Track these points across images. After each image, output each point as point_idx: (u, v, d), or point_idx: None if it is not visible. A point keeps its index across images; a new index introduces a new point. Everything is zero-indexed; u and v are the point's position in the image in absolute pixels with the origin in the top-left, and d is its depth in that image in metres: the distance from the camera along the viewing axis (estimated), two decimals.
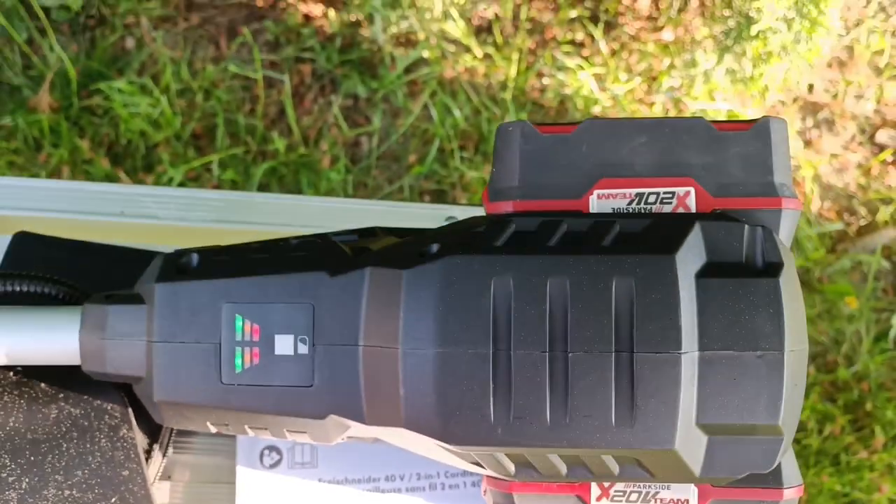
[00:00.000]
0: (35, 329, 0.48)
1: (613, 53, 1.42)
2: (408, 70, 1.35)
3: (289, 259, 0.46)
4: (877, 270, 1.39)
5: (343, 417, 0.44)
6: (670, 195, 0.44)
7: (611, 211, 0.45)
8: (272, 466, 0.55)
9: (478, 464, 0.43)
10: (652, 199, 0.44)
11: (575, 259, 0.41)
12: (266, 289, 0.45)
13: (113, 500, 0.49)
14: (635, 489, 0.44)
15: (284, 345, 0.44)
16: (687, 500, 0.44)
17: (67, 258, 0.58)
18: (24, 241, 0.59)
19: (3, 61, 1.30)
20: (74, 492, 0.49)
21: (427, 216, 0.64)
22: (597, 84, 1.39)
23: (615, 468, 0.43)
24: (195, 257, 0.47)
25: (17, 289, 0.51)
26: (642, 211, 0.44)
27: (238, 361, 0.45)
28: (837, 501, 1.26)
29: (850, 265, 1.39)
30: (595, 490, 0.45)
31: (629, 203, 0.44)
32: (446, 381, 0.41)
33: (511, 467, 0.43)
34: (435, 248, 0.43)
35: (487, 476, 0.46)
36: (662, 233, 0.42)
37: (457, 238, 0.44)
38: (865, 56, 1.52)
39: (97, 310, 0.47)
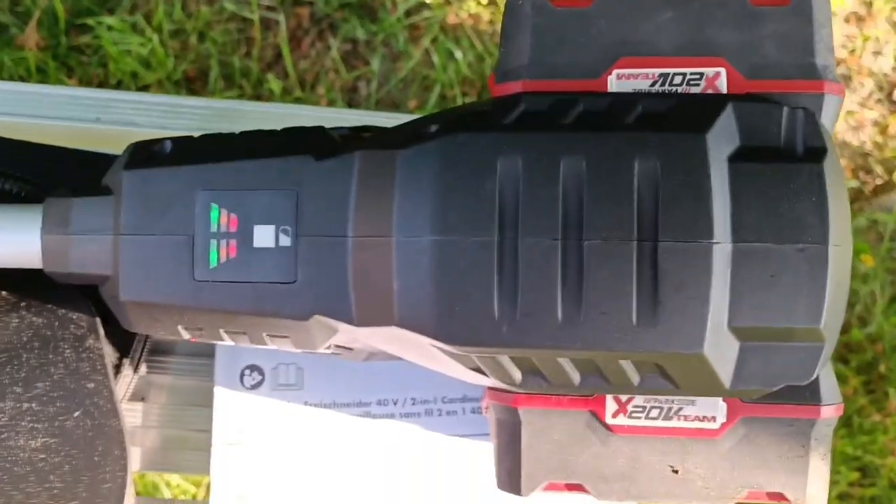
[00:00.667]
0: None
1: None
2: (408, 14, 1.30)
3: (271, 143, 0.41)
4: (893, 230, 1.35)
5: (329, 318, 0.39)
6: (698, 76, 0.40)
7: (631, 91, 0.40)
8: (253, 387, 0.51)
9: (479, 370, 0.39)
10: (678, 80, 0.40)
11: (592, 136, 0.37)
12: (244, 174, 0.40)
13: (76, 413, 0.44)
14: (656, 404, 0.40)
15: (264, 236, 0.40)
16: (714, 417, 0.40)
17: (33, 162, 0.54)
18: None
19: None
20: (34, 405, 0.44)
21: None
22: None
23: (634, 377, 0.38)
24: (168, 143, 0.42)
25: None
26: (667, 92, 0.40)
27: (213, 255, 0.40)
28: (849, 465, 1.22)
29: (865, 224, 1.35)
30: (611, 405, 0.40)
31: (652, 84, 0.40)
32: (445, 272, 0.37)
33: (517, 374, 0.38)
34: (434, 128, 0.39)
35: (490, 389, 0.41)
36: (690, 112, 0.38)
37: (459, 119, 0.39)
38: (885, 11, 1.46)
39: (60, 203, 0.42)
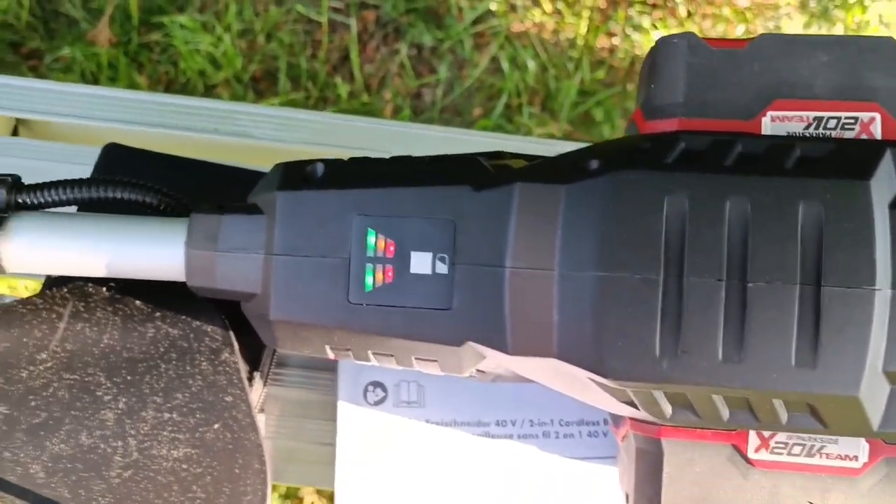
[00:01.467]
0: (137, 239, 0.45)
1: (689, 15, 1.37)
2: (475, 22, 1.31)
3: (426, 171, 0.42)
4: None
5: (482, 345, 0.40)
6: (853, 121, 0.40)
7: (786, 134, 0.40)
8: (376, 404, 0.51)
9: (630, 403, 0.40)
10: (832, 123, 0.40)
11: (757, 180, 0.37)
12: (402, 201, 0.41)
13: (216, 425, 0.45)
14: (799, 441, 0.40)
15: (421, 263, 0.40)
16: (856, 457, 0.40)
17: (161, 172, 0.55)
18: (115, 153, 0.55)
19: None
20: (175, 415, 0.45)
21: (530, 149, 0.60)
22: None
23: (783, 415, 0.39)
24: (320, 166, 0.43)
25: (114, 195, 0.47)
26: (821, 136, 0.40)
27: (368, 279, 0.41)
28: None
29: None
30: (754, 439, 0.41)
31: (806, 127, 0.40)
32: (608, 307, 0.37)
33: (668, 408, 0.39)
34: (595, 163, 0.39)
35: (632, 419, 0.42)
36: (850, 158, 0.38)
37: (618, 155, 0.39)
38: None
39: (208, 220, 0.43)
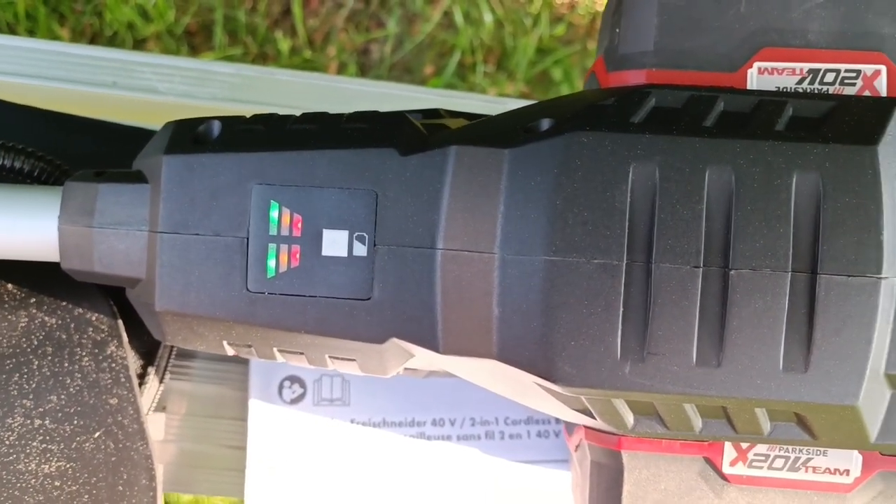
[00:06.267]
0: (2, 211, 0.37)
1: None
2: None
3: (343, 131, 0.35)
4: None
5: (409, 342, 0.33)
6: (854, 74, 0.34)
7: (775, 89, 0.34)
8: (293, 402, 0.45)
9: (585, 412, 0.33)
10: (830, 77, 0.34)
11: (742, 144, 0.31)
12: (312, 167, 0.34)
13: (97, 434, 0.38)
14: (781, 453, 0.34)
15: (335, 243, 0.33)
16: (847, 471, 0.34)
17: (46, 132, 0.47)
18: None
19: None
20: (47, 422, 0.38)
21: (478, 107, 0.53)
22: None
23: (766, 426, 0.32)
24: (216, 125, 0.36)
25: None
26: (817, 92, 0.34)
27: (271, 262, 0.34)
28: None
29: None
30: (729, 452, 0.35)
31: (799, 82, 0.34)
32: (560, 300, 0.31)
33: (630, 418, 0.33)
34: (547, 123, 0.32)
35: (588, 428, 0.35)
36: (853, 119, 0.32)
37: (575, 112, 0.33)
38: None
39: (84, 189, 0.36)
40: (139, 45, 1.17)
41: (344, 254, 0.33)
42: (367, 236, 0.33)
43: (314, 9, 1.21)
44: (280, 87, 0.53)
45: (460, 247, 0.32)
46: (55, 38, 1.15)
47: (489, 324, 0.32)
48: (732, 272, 0.30)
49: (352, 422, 0.44)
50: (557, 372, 0.31)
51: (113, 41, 1.17)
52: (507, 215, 0.31)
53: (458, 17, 1.20)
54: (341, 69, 1.19)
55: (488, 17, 1.19)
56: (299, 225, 0.34)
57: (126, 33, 1.16)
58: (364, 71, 1.21)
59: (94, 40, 1.17)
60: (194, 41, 1.19)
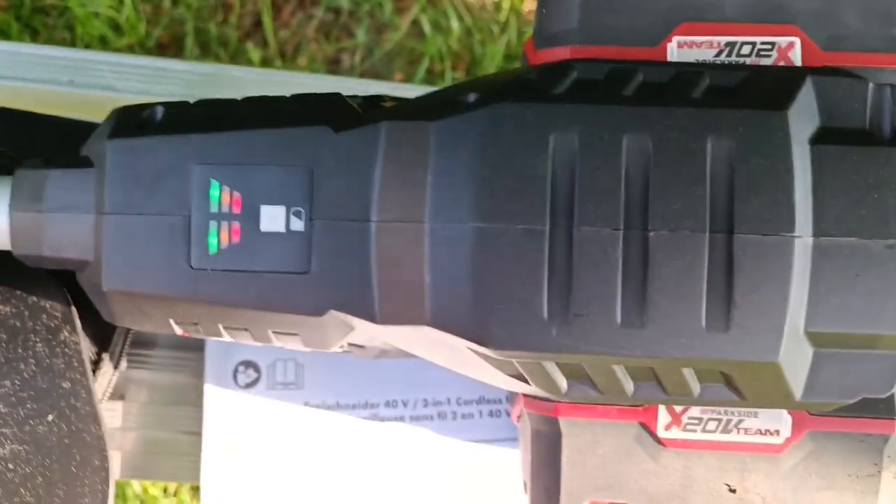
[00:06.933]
0: None
1: None
2: None
3: (281, 112, 0.36)
4: None
5: (347, 314, 0.34)
6: (769, 46, 0.35)
7: (694, 62, 0.35)
8: (248, 386, 0.45)
9: (519, 377, 0.34)
10: (746, 49, 0.35)
11: (659, 111, 0.32)
12: (250, 146, 0.35)
13: (50, 417, 0.39)
14: (714, 416, 0.35)
15: (273, 219, 0.34)
16: (777, 431, 0.35)
17: (2, 129, 0.48)
18: None
19: None
20: (0, 406, 0.39)
21: None
22: None
23: (695, 387, 0.33)
24: (160, 109, 0.37)
25: None
26: (734, 63, 0.35)
27: (212, 240, 0.35)
28: None
29: None
30: (664, 416, 0.36)
31: (717, 54, 0.35)
32: (487, 265, 0.32)
33: (563, 382, 0.34)
34: (472, 97, 0.33)
35: (526, 396, 0.36)
36: (766, 87, 0.33)
37: (499, 87, 0.34)
38: None
39: (32, 176, 0.37)
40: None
41: (282, 229, 0.34)
42: (303, 211, 0.34)
43: (285, 20, 1.23)
44: (236, 83, 0.54)
45: (392, 218, 0.33)
46: None
47: (422, 291, 0.33)
48: (652, 234, 0.31)
49: (306, 405, 0.45)
50: (487, 336, 0.32)
51: None
52: (436, 185, 0.32)
53: (426, 26, 1.22)
54: None
55: (456, 25, 1.20)
56: (239, 202, 0.35)
57: (98, 46, 1.17)
58: None
59: None
60: (167, 53, 1.20)
